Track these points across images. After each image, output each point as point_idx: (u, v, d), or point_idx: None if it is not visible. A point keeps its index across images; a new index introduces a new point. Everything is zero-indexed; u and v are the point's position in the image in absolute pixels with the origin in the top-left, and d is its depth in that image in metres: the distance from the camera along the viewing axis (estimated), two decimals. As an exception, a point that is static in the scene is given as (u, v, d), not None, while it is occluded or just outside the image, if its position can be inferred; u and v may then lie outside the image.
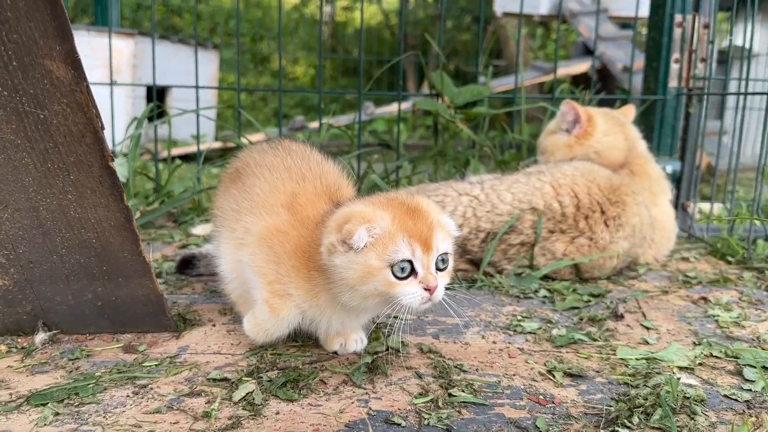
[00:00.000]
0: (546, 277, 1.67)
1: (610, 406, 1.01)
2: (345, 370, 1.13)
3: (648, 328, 1.37)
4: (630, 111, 2.16)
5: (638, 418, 0.97)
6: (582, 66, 5.31)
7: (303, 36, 11.73)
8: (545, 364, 1.18)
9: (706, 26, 2.38)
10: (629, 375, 1.14)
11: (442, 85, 2.29)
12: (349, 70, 9.99)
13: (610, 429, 0.94)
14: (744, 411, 1.01)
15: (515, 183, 1.72)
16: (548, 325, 1.37)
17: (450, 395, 1.05)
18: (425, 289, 1.01)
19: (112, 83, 2.27)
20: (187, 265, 1.64)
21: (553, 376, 1.13)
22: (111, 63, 2.34)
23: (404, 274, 1.00)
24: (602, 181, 1.74)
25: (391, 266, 0.99)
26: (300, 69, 12.23)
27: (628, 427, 0.95)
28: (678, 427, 0.95)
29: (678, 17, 2.40)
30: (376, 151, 2.78)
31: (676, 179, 2.43)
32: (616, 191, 1.74)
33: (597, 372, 1.15)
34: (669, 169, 2.42)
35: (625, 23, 6.13)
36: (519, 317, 1.41)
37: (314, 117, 6.40)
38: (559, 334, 1.30)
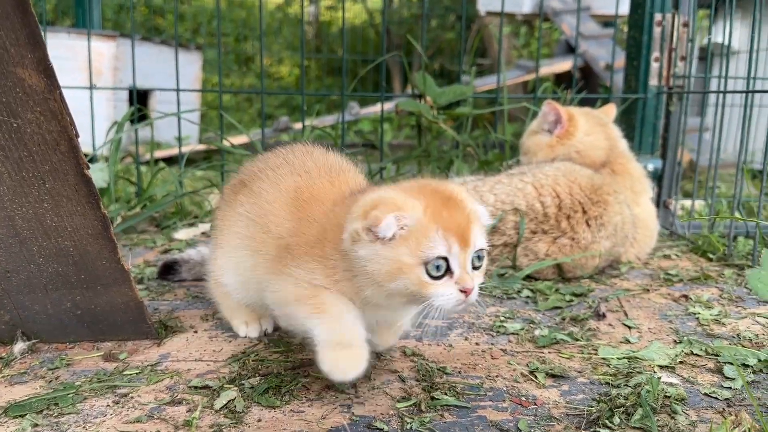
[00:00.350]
0: (529, 277, 1.67)
1: (591, 407, 1.02)
2: (328, 374, 1.13)
3: (629, 327, 1.38)
4: (611, 110, 2.17)
5: (619, 418, 0.98)
6: (565, 64, 5.33)
7: (287, 36, 11.70)
8: (527, 365, 1.18)
9: (686, 24, 2.39)
10: (611, 375, 1.15)
11: (424, 86, 2.29)
12: (334, 69, 9.97)
13: (591, 430, 0.95)
14: (724, 409, 1.02)
15: (497, 184, 1.73)
16: (531, 325, 1.38)
17: (432, 398, 1.05)
18: (461, 291, 0.92)
19: (91, 87, 2.25)
20: (169, 271, 1.62)
21: (536, 377, 1.13)
22: (90, 66, 2.32)
23: (439, 273, 0.91)
24: (583, 181, 1.75)
25: (425, 264, 0.90)
26: (285, 69, 12.20)
27: (609, 428, 0.96)
28: (658, 426, 0.96)
29: (658, 16, 2.42)
30: (360, 151, 2.78)
31: (658, 177, 2.45)
32: (598, 191, 1.75)
33: (579, 372, 1.16)
34: (650, 167, 2.44)
35: (607, 21, 6.18)
36: (502, 318, 1.41)
37: (299, 117, 6.38)
38: (541, 335, 1.31)
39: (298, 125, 4.95)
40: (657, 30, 2.42)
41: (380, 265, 0.91)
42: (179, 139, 2.35)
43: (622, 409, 1.00)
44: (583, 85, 4.99)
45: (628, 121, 2.51)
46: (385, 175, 2.32)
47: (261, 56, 2.47)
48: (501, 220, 1.65)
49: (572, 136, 1.98)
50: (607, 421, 0.97)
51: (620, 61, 3.35)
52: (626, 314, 1.46)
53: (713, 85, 3.74)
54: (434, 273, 0.90)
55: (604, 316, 1.42)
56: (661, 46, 2.42)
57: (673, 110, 2.38)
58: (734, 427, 0.94)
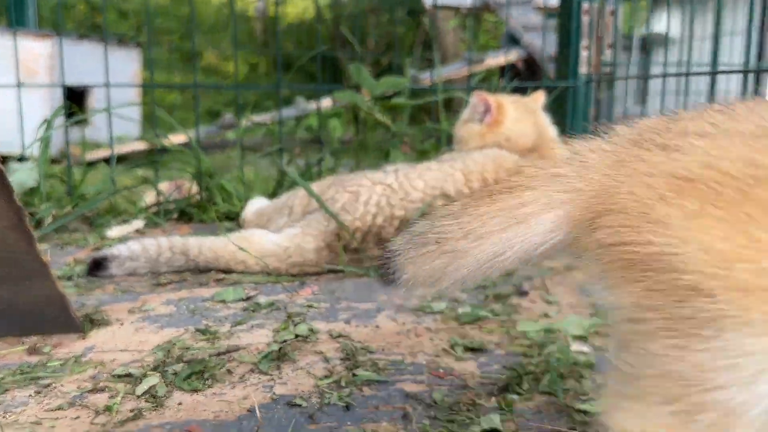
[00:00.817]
0: (459, 260, 1.72)
1: (503, 375, 1.07)
2: (253, 359, 1.15)
3: (550, 303, 1.44)
4: (539, 98, 2.24)
5: (528, 384, 1.03)
6: (509, 56, 5.44)
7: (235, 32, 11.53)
8: (449, 341, 1.22)
9: (612, 13, 2.49)
10: (526, 346, 1.20)
11: (359, 78, 2.32)
12: (284, 65, 9.92)
13: (501, 396, 1.00)
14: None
15: (427, 170, 1.77)
16: (456, 304, 1.43)
17: (354, 375, 1.08)
18: None
19: (19, 85, 2.21)
20: (98, 267, 1.61)
21: (455, 351, 1.18)
22: (17, 65, 2.28)
23: None
24: (510, 166, 1.81)
25: None
26: (233, 65, 12.06)
27: (518, 393, 1.01)
28: (565, 389, 1.01)
29: (585, 5, 2.50)
30: (310, 147, 2.79)
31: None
32: (524, 174, 1.81)
33: (497, 345, 1.21)
34: (582, 152, 2.53)
35: (551, 13, 6.32)
36: (429, 299, 1.46)
37: (249, 113, 6.33)
38: (464, 312, 1.36)
39: (246, 122, 4.92)
40: (585, 18, 2.51)
41: None
42: (111, 137, 2.32)
43: (531, 375, 1.05)
44: (528, 76, 5.11)
45: (560, 109, 2.59)
46: (323, 167, 2.35)
47: (193, 47, 2.46)
48: (430, 205, 1.69)
49: (501, 124, 2.04)
50: (516, 387, 1.02)
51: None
52: (548, 291, 1.52)
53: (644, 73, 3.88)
54: None
55: (526, 293, 1.48)
56: (590, 34, 2.51)
57: (601, 97, 2.47)
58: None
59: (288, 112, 5.68)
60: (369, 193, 1.70)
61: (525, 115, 2.07)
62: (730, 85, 3.19)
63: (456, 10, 6.98)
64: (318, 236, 1.64)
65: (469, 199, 0.67)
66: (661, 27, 5.95)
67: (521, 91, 2.57)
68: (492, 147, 1.99)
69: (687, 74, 2.18)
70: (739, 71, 1.87)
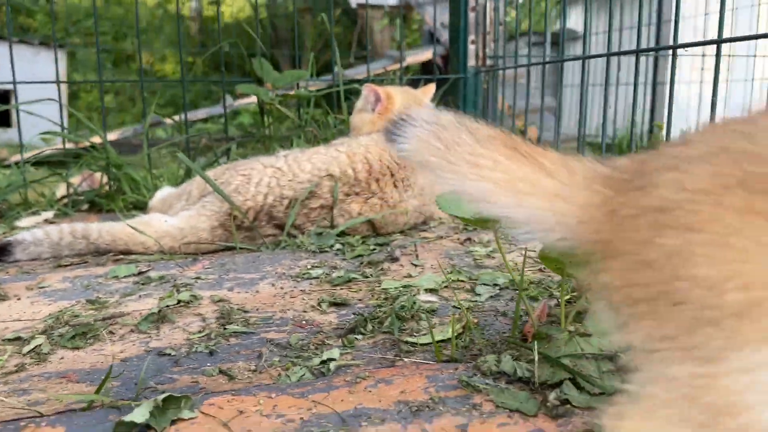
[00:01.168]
0: (346, 235, 1.89)
1: (353, 321, 1.23)
2: (135, 322, 1.28)
3: (416, 266, 1.62)
4: (430, 89, 2.44)
5: (372, 326, 1.20)
6: (428, 53, 5.66)
7: (169, 32, 11.44)
8: (318, 299, 1.38)
9: (496, 9, 2.70)
10: (383, 299, 1.37)
11: (262, 72, 2.46)
12: (227, 64, 9.89)
13: (347, 336, 1.16)
14: (461, 314, 1.26)
15: (315, 154, 1.93)
16: (333, 270, 1.59)
17: (224, 328, 1.23)
18: None
19: None
20: (3, 252, 1.70)
21: (321, 307, 1.34)
22: None
23: None
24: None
25: None
26: (169, 66, 11.93)
27: (362, 334, 1.17)
28: (403, 329, 1.19)
29: (472, 2, 2.71)
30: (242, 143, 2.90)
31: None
32: (407, 156, 1.99)
33: (359, 300, 1.38)
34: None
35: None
36: (309, 267, 1.62)
37: (178, 113, 6.35)
38: (337, 276, 1.52)
39: (169, 120, 4.97)
40: (472, 15, 2.71)
41: None
42: (20, 135, 2.39)
43: (377, 320, 1.22)
44: (445, 72, 5.34)
45: (454, 99, 2.79)
46: (231, 157, 2.48)
47: (138, 43, 2.54)
48: (317, 185, 1.85)
49: (390, 112, 2.22)
50: (362, 329, 1.19)
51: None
52: (417, 256, 1.70)
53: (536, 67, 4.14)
54: None
55: (397, 259, 1.66)
56: (476, 29, 2.71)
57: (485, 87, 2.69)
58: (458, 323, 1.18)
59: (216, 109, 5.75)
60: (260, 175, 1.84)
61: (412, 104, 2.26)
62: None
63: (381, 8, 7.17)
64: (212, 216, 1.78)
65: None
66: (571, 23, 6.29)
67: (415, 83, 2.76)
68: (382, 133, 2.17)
69: (562, 60, 2.41)
70: (630, 52, 2.03)
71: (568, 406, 0.86)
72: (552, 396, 0.88)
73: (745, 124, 0.58)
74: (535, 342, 0.98)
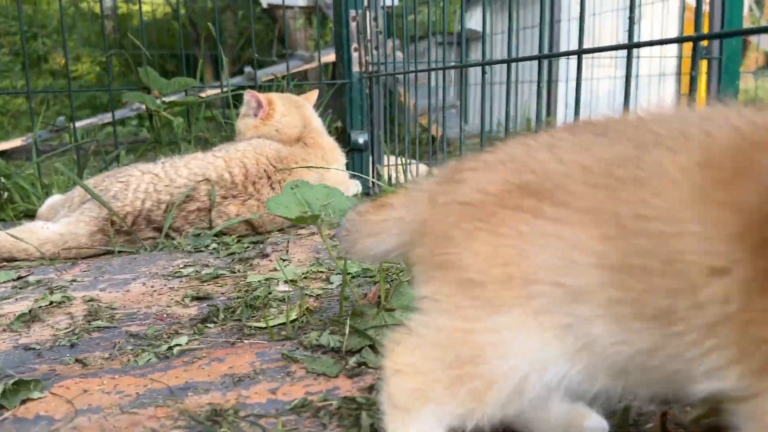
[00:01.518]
0: (224, 235, 2.02)
1: (208, 312, 1.38)
2: (8, 322, 1.38)
3: (284, 260, 1.78)
4: (313, 95, 2.60)
5: (224, 315, 1.35)
6: (333, 55, 5.81)
7: (83, 32, 11.09)
8: (184, 295, 1.52)
9: (375, 19, 2.89)
10: (245, 291, 1.52)
11: (148, 79, 2.55)
12: (141, 64, 9.70)
13: (197, 325, 1.31)
14: (305, 300, 1.43)
15: (193, 159, 2.05)
16: (204, 267, 1.73)
17: (89, 324, 1.35)
18: None
19: None
20: None
21: (184, 302, 1.48)
22: None
23: None
24: (270, 153, 2.14)
25: None
26: (84, 66, 11.57)
27: (214, 322, 1.32)
28: (252, 316, 1.34)
29: (352, 12, 2.89)
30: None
31: (368, 148, 2.95)
32: (284, 160, 2.14)
33: (222, 294, 1.52)
34: (361, 140, 2.93)
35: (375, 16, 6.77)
36: (182, 266, 1.75)
37: (95, 114, 6.25)
38: (206, 273, 1.66)
39: (80, 123, 4.92)
40: (353, 24, 2.89)
41: None
42: None
43: (230, 309, 1.38)
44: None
45: (341, 104, 2.96)
46: (120, 163, 2.56)
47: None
48: (194, 189, 1.98)
49: (272, 117, 2.37)
50: (214, 318, 1.34)
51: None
52: (287, 252, 1.86)
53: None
54: None
55: (268, 255, 1.81)
56: (358, 38, 2.89)
57: (368, 92, 2.87)
58: (300, 305, 1.35)
59: (121, 112, 5.71)
60: (138, 181, 1.95)
61: (292, 109, 2.42)
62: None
63: (293, 8, 7.26)
64: (90, 222, 1.88)
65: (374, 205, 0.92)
66: (472, 24, 6.60)
67: (300, 89, 2.92)
68: (266, 137, 2.31)
69: (463, 66, 2.62)
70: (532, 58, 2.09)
71: (364, 367, 1.05)
72: (352, 360, 1.06)
73: (531, 138, 0.75)
74: (348, 318, 1.16)
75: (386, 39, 2.92)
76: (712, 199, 0.53)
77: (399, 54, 3.10)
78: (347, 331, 1.13)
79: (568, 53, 1.88)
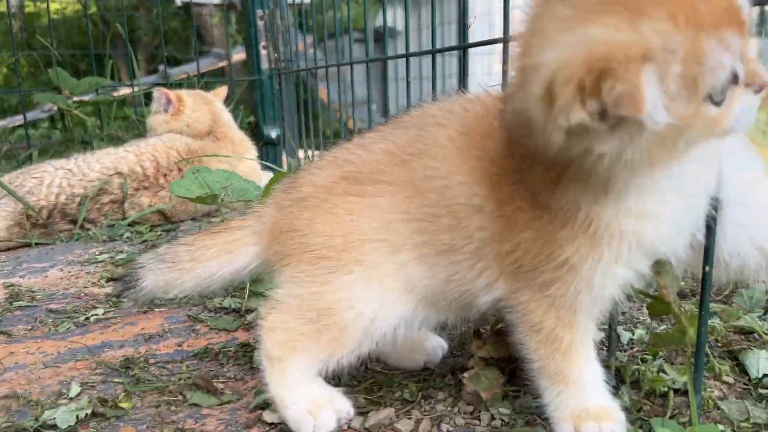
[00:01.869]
0: (138, 224, 2.15)
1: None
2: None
3: (195, 244, 1.93)
4: (222, 91, 2.74)
5: (138, 290, 1.50)
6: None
7: (-13, 32, 10.60)
8: (100, 277, 1.66)
9: (282, 18, 3.06)
10: (157, 272, 1.67)
11: (59, 80, 2.62)
12: (51, 64, 9.36)
13: (115, 299, 1.46)
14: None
15: (105, 155, 2.17)
16: (119, 254, 1.86)
17: (11, 304, 1.47)
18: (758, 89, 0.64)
19: None
20: None
21: (100, 283, 1.61)
22: None
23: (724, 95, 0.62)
24: (181, 147, 2.28)
25: (710, 97, 0.61)
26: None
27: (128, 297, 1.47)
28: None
29: (259, 12, 3.04)
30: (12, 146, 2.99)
31: (281, 142, 3.11)
32: (193, 153, 2.29)
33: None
34: (273, 134, 3.09)
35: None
36: (98, 253, 1.87)
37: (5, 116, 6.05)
38: (120, 258, 1.80)
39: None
40: (260, 24, 3.05)
41: (652, 144, 0.61)
42: None
43: (144, 286, 1.53)
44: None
45: (254, 99, 3.12)
46: (34, 162, 2.62)
47: None
48: (107, 183, 2.10)
49: (182, 113, 2.50)
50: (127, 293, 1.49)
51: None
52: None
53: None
54: (719, 97, 0.62)
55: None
56: (266, 36, 3.05)
57: (278, 88, 3.04)
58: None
59: (33, 114, 5.62)
60: (52, 177, 2.06)
61: (202, 105, 2.55)
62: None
63: (207, 6, 7.26)
64: (7, 217, 1.97)
65: (202, 233, 1.03)
66: (390, 21, 6.83)
67: (211, 86, 3.05)
68: (176, 132, 2.45)
69: (348, 63, 2.81)
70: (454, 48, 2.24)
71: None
72: (250, 317, 1.25)
73: (352, 140, 0.94)
74: (248, 283, 1.35)
75: (299, 36, 3.09)
76: (470, 155, 0.76)
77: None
78: (247, 294, 1.32)
79: (449, 48, 2.10)
